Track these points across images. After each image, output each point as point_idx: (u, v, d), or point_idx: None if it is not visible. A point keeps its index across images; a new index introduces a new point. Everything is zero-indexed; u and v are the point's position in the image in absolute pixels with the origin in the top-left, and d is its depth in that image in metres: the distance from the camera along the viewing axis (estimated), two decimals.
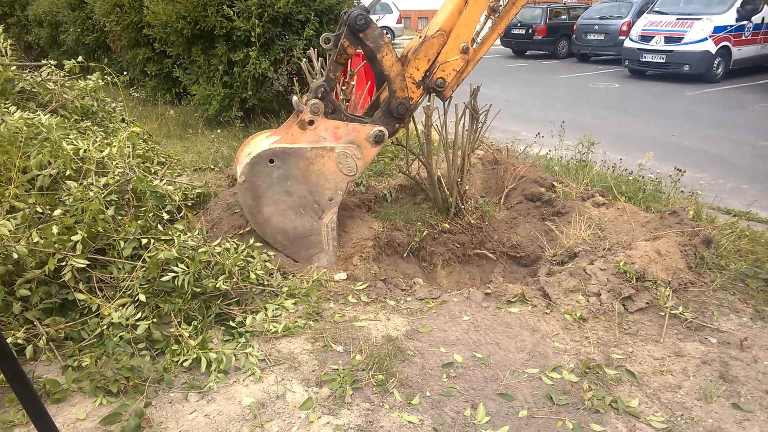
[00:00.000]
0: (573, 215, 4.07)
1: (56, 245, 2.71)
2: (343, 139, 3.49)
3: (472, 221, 4.19)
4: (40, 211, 2.92)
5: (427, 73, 3.53)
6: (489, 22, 3.49)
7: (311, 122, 3.43)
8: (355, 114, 3.70)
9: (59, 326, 2.66)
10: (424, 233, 4.02)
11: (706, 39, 12.50)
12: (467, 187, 4.38)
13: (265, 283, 3.26)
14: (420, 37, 3.56)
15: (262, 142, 3.66)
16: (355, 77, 5.22)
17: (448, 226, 4.13)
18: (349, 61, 3.76)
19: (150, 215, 3.21)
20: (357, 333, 2.93)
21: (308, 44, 6.85)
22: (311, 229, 3.61)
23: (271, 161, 3.41)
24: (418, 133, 4.08)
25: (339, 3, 7.35)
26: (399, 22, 24.37)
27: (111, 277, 2.86)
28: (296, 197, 3.53)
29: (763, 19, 12.77)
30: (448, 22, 3.43)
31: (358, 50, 3.51)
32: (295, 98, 3.55)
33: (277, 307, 3.09)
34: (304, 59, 5.61)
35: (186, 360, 2.63)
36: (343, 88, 4.86)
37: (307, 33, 7.01)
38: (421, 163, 4.21)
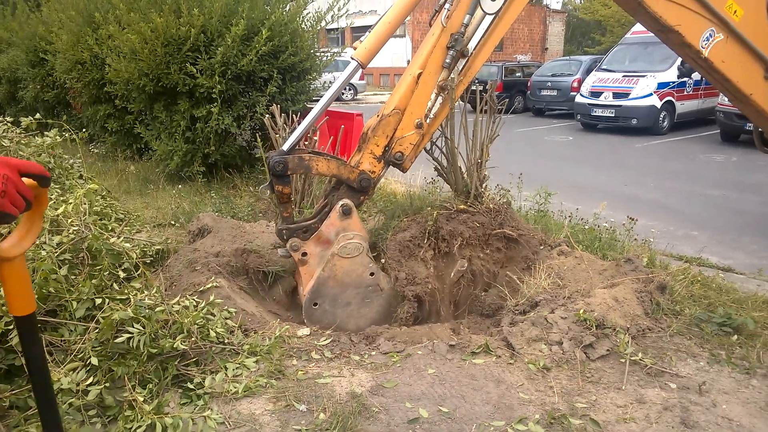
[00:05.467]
0: (536, 264, 4.14)
1: (4, 307, 2.61)
2: (331, 238, 3.72)
3: (491, 206, 4.33)
4: None
5: (387, 148, 3.73)
6: (440, 99, 3.71)
7: (304, 254, 3.70)
8: (320, 209, 3.89)
9: (4, 394, 2.53)
10: (435, 214, 4.15)
11: (651, 94, 13.20)
12: (486, 173, 4.53)
13: (226, 341, 3.19)
14: (378, 115, 3.79)
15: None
16: (318, 132, 5.31)
17: (464, 206, 4.24)
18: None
19: (105, 274, 3.13)
20: (320, 390, 2.87)
21: (271, 100, 6.95)
22: (385, 300, 3.90)
23: (315, 304, 3.72)
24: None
25: (301, 61, 7.52)
26: (362, 78, 25.01)
27: (62, 340, 2.75)
28: (355, 299, 3.81)
29: (702, 76, 13.57)
30: (402, 101, 3.68)
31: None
32: (280, 251, 3.82)
33: (237, 366, 3.01)
34: (267, 115, 5.68)
35: (140, 426, 2.51)
36: (306, 143, 4.93)
37: (270, 90, 7.12)
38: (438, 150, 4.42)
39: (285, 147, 3.57)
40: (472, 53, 3.67)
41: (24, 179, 1.14)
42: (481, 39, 3.66)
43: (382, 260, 4.07)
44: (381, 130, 3.68)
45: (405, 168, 3.83)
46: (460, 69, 3.69)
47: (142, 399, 2.61)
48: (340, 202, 3.67)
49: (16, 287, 1.19)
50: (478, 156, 4.40)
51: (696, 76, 13.55)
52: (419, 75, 3.64)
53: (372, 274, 3.83)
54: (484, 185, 4.49)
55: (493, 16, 3.61)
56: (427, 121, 3.72)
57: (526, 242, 4.31)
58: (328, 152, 5.54)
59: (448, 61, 3.59)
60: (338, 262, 3.71)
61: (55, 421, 1.36)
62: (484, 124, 4.43)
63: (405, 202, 4.65)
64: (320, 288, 3.72)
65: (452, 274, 4.17)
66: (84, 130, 6.23)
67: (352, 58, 3.54)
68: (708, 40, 3.92)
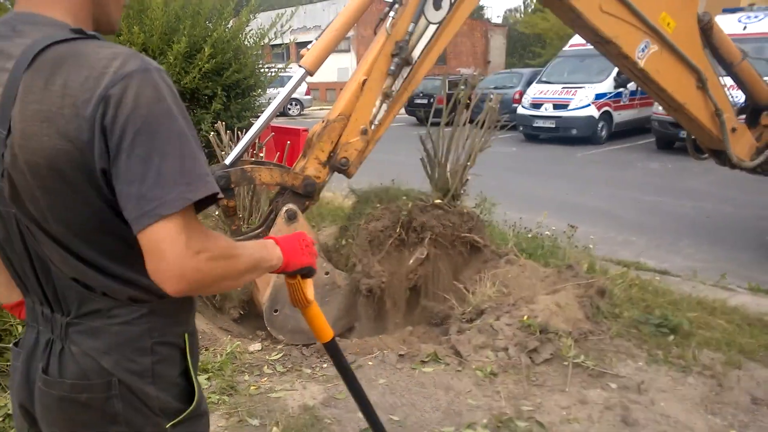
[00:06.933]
0: (484, 271, 4.25)
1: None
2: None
3: (466, 210, 4.37)
4: None
5: (332, 154, 3.73)
6: (384, 106, 3.74)
7: None
8: (266, 216, 3.87)
9: None
10: (411, 204, 4.16)
11: (589, 105, 13.68)
12: (469, 177, 4.60)
13: None
14: (323, 121, 3.80)
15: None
16: (264, 149, 5.31)
17: (440, 202, 4.26)
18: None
19: None
20: (273, 404, 2.88)
21: (216, 118, 6.87)
22: (344, 296, 3.95)
23: (275, 311, 3.68)
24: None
25: (246, 78, 7.48)
26: (308, 93, 24.93)
27: (8, 366, 2.67)
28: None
29: (637, 86, 14.16)
30: (347, 107, 3.70)
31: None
32: None
33: None
34: (213, 133, 5.63)
35: None
36: (253, 159, 4.92)
37: (214, 107, 7.04)
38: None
39: (227, 160, 3.53)
40: (416, 61, 3.71)
41: None
42: (425, 48, 3.69)
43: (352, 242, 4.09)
44: (326, 135, 3.68)
45: (350, 174, 3.84)
46: (404, 77, 3.72)
47: None
48: (284, 208, 3.63)
49: (313, 324, 1.60)
50: (465, 159, 4.51)
51: (632, 86, 14.17)
52: (364, 81, 3.66)
53: (327, 273, 3.84)
54: (463, 189, 4.59)
55: (436, 26, 3.66)
56: (372, 127, 3.75)
57: (487, 254, 4.40)
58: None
59: (392, 68, 3.61)
60: None
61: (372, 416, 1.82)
62: (479, 133, 4.61)
63: (380, 188, 4.58)
64: (277, 294, 3.68)
65: (411, 261, 4.19)
66: None
67: (300, 65, 3.52)
68: (644, 51, 4.09)
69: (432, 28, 3.68)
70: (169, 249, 0.96)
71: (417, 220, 4.18)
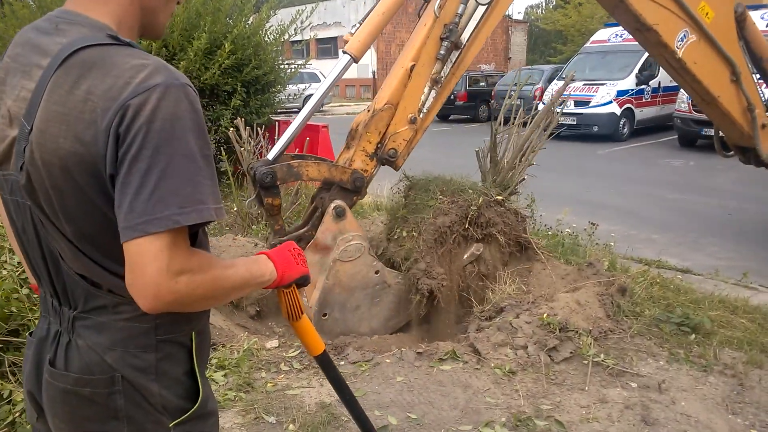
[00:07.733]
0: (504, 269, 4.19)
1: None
2: (329, 243, 3.56)
3: (520, 210, 4.30)
4: None
5: (379, 145, 3.58)
6: (432, 93, 3.60)
7: None
8: (310, 215, 3.74)
9: None
10: (480, 199, 3.96)
11: (611, 102, 13.52)
12: (526, 177, 4.57)
13: None
14: (368, 111, 3.63)
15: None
16: None
17: (501, 197, 4.14)
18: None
19: None
20: (290, 402, 2.88)
21: (235, 114, 6.92)
22: (395, 295, 3.82)
23: (324, 315, 3.61)
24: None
25: (265, 74, 7.52)
26: None
27: None
28: (364, 301, 3.72)
29: (659, 83, 13.99)
30: (395, 95, 3.54)
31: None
32: None
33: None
34: (232, 129, 5.67)
35: None
36: (294, 154, 4.90)
37: (234, 103, 7.09)
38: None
39: (270, 156, 3.39)
40: (465, 45, 3.56)
41: None
42: (474, 30, 3.55)
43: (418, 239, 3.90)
44: (373, 125, 3.52)
45: (398, 166, 3.69)
46: (452, 61, 3.59)
47: None
48: (332, 204, 3.49)
49: (306, 338, 1.55)
50: (524, 157, 4.46)
51: (654, 83, 14.01)
52: (412, 67, 3.50)
53: (377, 272, 3.69)
54: (518, 187, 4.53)
55: (486, 6, 3.52)
56: (421, 116, 3.61)
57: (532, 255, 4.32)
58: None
59: (442, 52, 3.47)
60: (341, 267, 3.56)
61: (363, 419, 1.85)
62: (536, 134, 4.63)
63: (440, 176, 4.33)
64: (327, 297, 3.58)
65: (465, 256, 4.02)
66: None
67: (345, 52, 3.38)
68: (682, 40, 4.01)
69: (481, 9, 3.52)
70: (149, 266, 0.95)
71: (485, 215, 3.97)
